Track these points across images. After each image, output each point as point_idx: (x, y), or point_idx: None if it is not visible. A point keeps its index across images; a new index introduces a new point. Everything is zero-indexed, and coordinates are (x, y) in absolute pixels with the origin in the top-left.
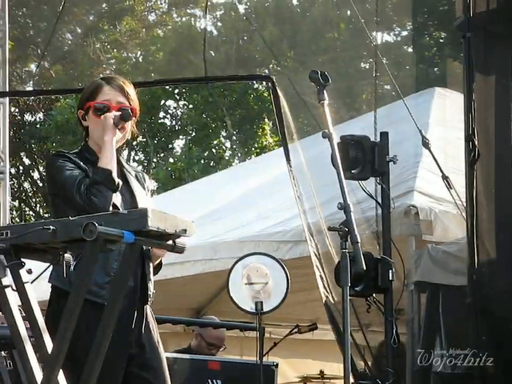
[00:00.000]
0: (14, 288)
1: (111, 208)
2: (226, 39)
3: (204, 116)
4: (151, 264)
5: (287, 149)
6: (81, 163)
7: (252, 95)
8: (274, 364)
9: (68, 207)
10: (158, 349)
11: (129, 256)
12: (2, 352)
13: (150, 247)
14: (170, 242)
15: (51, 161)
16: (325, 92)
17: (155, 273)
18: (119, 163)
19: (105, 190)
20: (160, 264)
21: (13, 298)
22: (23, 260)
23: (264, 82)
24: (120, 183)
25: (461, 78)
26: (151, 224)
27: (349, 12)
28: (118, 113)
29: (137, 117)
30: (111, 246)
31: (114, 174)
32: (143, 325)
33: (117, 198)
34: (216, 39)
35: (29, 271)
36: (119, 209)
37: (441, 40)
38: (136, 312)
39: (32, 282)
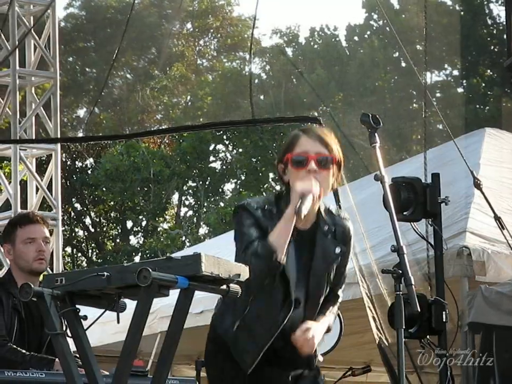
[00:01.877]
0: (69, 334)
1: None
2: (274, 82)
3: (254, 160)
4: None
5: (336, 191)
6: (264, 220)
7: None
8: None
9: (236, 259)
10: None
11: (184, 301)
12: None
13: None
14: (224, 287)
15: (235, 214)
16: (376, 134)
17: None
18: (318, 213)
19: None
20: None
21: (68, 345)
22: (78, 306)
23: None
24: (283, 262)
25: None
26: (205, 269)
27: (397, 53)
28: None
29: (340, 167)
30: (164, 292)
31: (279, 255)
32: None
33: (290, 260)
34: (265, 82)
35: (84, 318)
36: (287, 277)
37: (491, 80)
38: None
39: (87, 329)
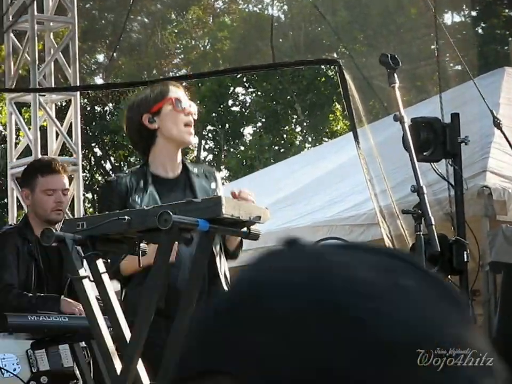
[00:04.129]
0: (92, 279)
1: None
2: (294, 24)
3: (274, 103)
4: None
5: (356, 132)
6: (133, 179)
7: (322, 80)
8: None
9: None
10: None
11: (205, 244)
12: (81, 343)
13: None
14: (244, 229)
15: (99, 189)
16: (395, 75)
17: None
18: (186, 168)
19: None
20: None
21: (91, 289)
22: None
23: (333, 67)
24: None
25: None
26: (226, 212)
27: None
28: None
29: None
30: (185, 235)
31: None
32: None
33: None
34: (284, 25)
35: (106, 262)
36: None
37: (510, 20)
38: None
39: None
